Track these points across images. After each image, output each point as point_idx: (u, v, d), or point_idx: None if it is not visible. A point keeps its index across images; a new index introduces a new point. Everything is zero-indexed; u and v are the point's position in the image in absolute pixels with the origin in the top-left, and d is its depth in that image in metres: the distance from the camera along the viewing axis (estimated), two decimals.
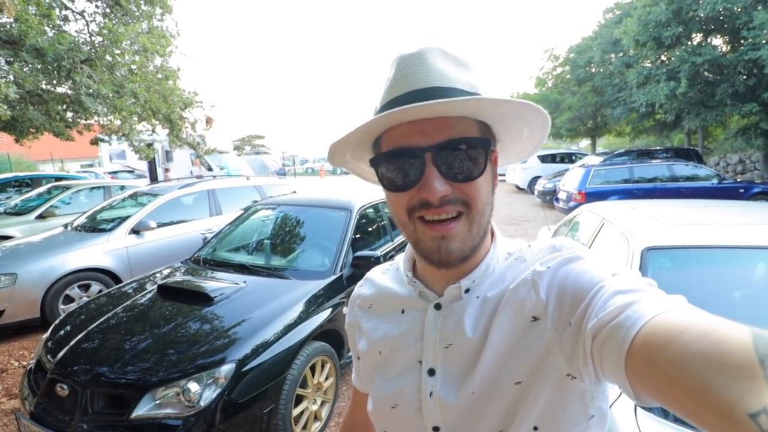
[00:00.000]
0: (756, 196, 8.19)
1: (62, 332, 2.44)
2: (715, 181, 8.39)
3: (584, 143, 29.51)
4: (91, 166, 22.67)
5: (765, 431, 0.29)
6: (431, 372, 0.59)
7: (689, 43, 11.16)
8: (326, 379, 2.62)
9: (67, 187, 7.39)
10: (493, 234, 0.64)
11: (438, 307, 0.61)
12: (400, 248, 3.80)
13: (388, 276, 0.73)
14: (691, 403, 0.33)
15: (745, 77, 10.11)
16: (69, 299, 4.12)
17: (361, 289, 0.76)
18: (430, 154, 0.52)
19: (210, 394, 1.94)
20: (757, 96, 9.76)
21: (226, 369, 2.02)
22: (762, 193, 8.23)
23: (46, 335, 2.50)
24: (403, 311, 0.65)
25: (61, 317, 2.73)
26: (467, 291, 0.59)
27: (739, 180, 10.72)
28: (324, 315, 2.63)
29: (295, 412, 2.32)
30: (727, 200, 4.25)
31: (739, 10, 9.63)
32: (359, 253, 3.06)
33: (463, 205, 0.54)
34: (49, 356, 2.23)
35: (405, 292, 0.66)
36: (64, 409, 1.99)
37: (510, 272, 0.59)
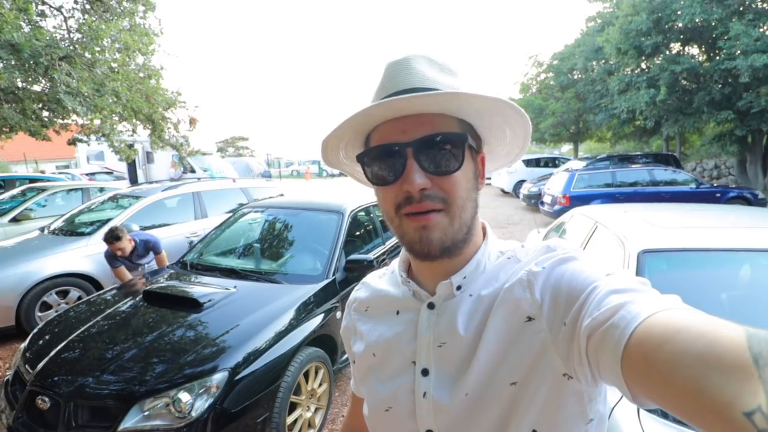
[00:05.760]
0: (731, 200, 8.46)
1: (41, 342, 2.33)
2: (692, 185, 8.64)
3: (566, 148, 30.10)
4: (67, 167, 21.98)
5: (760, 430, 0.29)
6: (425, 372, 0.59)
7: (668, 52, 11.48)
8: (320, 385, 2.56)
9: (43, 189, 7.13)
10: (485, 232, 0.65)
11: (431, 306, 0.60)
12: (392, 252, 3.77)
13: (384, 279, 0.73)
14: (687, 402, 0.34)
15: (720, 86, 10.45)
16: (46, 306, 3.94)
17: (357, 292, 0.77)
18: (410, 149, 0.54)
19: (202, 404, 1.86)
20: (732, 104, 10.10)
21: (219, 377, 1.94)
22: (737, 197, 8.51)
23: (24, 345, 2.38)
24: (398, 312, 0.65)
25: (40, 326, 2.60)
26: (459, 288, 0.59)
27: (715, 185, 11.05)
28: (317, 320, 2.57)
29: (289, 419, 2.26)
30: (710, 204, 4.37)
31: (716, 21, 9.96)
32: (352, 257, 3.02)
33: (443, 203, 0.55)
34: (28, 367, 2.12)
35: (399, 293, 0.66)
36: (45, 422, 1.88)
37: (504, 271, 0.59)
